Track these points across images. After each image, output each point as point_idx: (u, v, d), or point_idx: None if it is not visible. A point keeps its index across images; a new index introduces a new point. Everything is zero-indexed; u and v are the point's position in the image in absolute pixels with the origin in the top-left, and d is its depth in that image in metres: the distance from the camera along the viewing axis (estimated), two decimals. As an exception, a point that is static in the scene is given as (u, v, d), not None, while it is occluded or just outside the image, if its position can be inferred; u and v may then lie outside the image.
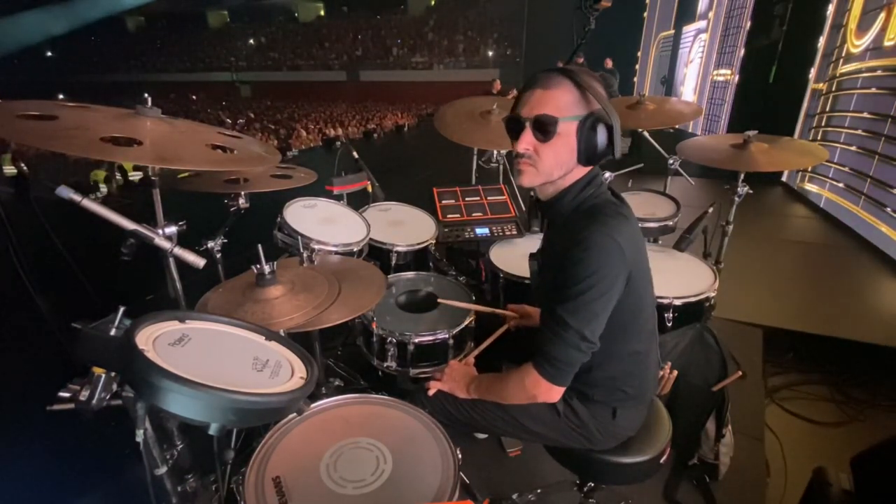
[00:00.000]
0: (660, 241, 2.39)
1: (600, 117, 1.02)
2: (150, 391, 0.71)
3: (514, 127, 1.08)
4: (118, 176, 8.50)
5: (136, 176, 8.25)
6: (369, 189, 2.50)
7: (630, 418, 1.23)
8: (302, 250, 1.54)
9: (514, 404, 1.21)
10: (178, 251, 1.07)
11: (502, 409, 1.23)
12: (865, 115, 4.25)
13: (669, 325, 1.77)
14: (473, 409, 1.26)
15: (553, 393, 1.10)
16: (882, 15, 4.08)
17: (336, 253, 1.80)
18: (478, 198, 2.40)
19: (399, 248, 2.10)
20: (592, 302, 1.01)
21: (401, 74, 28.06)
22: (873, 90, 4.18)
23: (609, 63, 7.82)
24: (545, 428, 1.23)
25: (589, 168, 1.10)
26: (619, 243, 0.99)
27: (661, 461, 1.26)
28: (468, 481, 1.52)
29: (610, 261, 1.00)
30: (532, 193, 2.50)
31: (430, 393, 1.28)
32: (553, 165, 1.07)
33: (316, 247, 1.72)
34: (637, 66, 11.99)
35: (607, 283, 1.00)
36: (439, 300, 1.76)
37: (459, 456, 1.06)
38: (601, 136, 1.02)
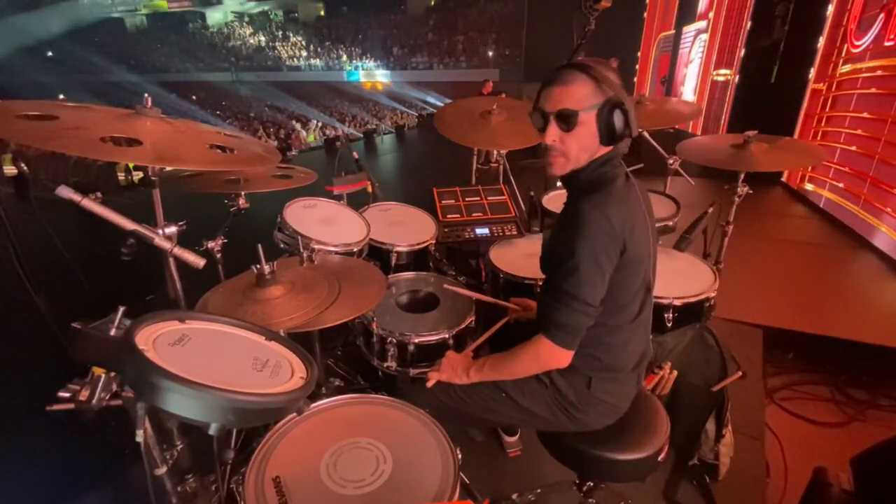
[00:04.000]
0: (660, 242, 2.38)
1: (615, 103, 1.11)
2: (150, 391, 0.71)
3: (540, 121, 1.17)
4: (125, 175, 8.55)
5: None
6: (369, 189, 2.50)
7: (608, 391, 1.24)
8: (302, 250, 1.54)
9: (508, 381, 1.27)
10: (178, 251, 1.07)
11: (496, 388, 1.29)
12: (865, 115, 4.25)
13: (669, 325, 1.77)
14: (466, 393, 1.31)
15: (565, 357, 1.17)
16: (882, 15, 4.08)
17: (336, 253, 1.80)
18: (478, 198, 2.40)
19: (399, 248, 2.10)
20: (591, 274, 1.10)
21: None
22: (873, 90, 4.18)
23: (615, 62, 7.84)
24: (533, 401, 1.27)
25: (609, 147, 1.18)
26: (610, 219, 1.08)
27: (660, 459, 1.26)
28: (468, 481, 1.52)
29: (600, 235, 1.08)
30: (532, 193, 2.51)
31: (430, 384, 1.32)
32: (579, 151, 1.16)
33: (316, 247, 1.72)
34: (637, 66, 11.98)
35: (600, 254, 1.09)
36: (445, 286, 1.81)
37: (459, 456, 1.06)
38: (618, 119, 1.12)
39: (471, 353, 1.40)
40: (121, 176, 8.78)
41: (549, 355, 1.17)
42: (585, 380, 1.24)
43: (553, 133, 1.15)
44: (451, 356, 1.36)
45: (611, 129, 1.13)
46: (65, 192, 0.95)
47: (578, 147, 1.16)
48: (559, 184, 2.91)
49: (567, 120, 1.13)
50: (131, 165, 7.95)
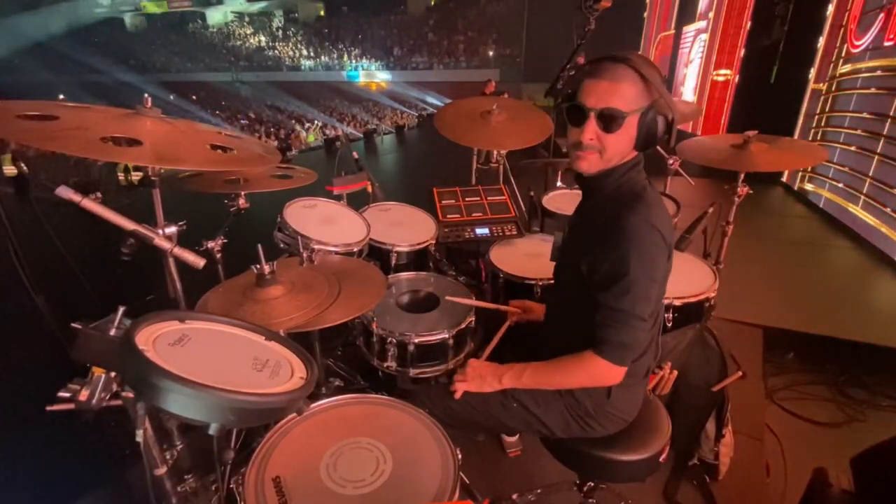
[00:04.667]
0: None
1: (660, 108, 1.07)
2: (150, 391, 0.71)
3: (578, 116, 1.10)
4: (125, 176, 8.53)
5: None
6: (369, 189, 2.50)
7: (624, 400, 1.23)
8: (302, 250, 1.54)
9: (521, 390, 1.24)
10: (178, 251, 1.07)
11: (506, 396, 1.25)
12: (865, 115, 4.25)
13: (669, 325, 1.76)
14: (474, 399, 1.26)
15: (621, 374, 1.13)
16: (882, 15, 4.08)
17: (336, 253, 1.80)
18: (478, 198, 2.40)
19: (399, 248, 2.10)
20: (647, 289, 1.07)
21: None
22: (873, 90, 4.18)
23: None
24: (545, 410, 1.24)
25: (636, 152, 1.15)
26: (659, 230, 1.06)
27: (661, 459, 1.26)
28: (468, 481, 1.52)
29: (654, 249, 1.06)
30: (532, 193, 2.51)
31: (458, 396, 1.25)
32: (615, 153, 1.11)
33: (316, 247, 1.72)
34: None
35: (656, 269, 1.07)
36: (447, 297, 1.76)
37: (459, 456, 1.06)
38: (660, 125, 1.08)
39: (492, 362, 1.34)
40: (120, 176, 8.77)
41: (606, 373, 1.12)
42: (606, 389, 1.21)
43: (592, 131, 1.08)
44: (476, 364, 1.29)
45: (650, 136, 1.08)
46: (65, 192, 0.95)
47: (614, 149, 1.10)
48: (560, 183, 2.92)
49: (611, 120, 1.06)
50: (130, 166, 7.90)
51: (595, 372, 1.13)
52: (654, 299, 1.10)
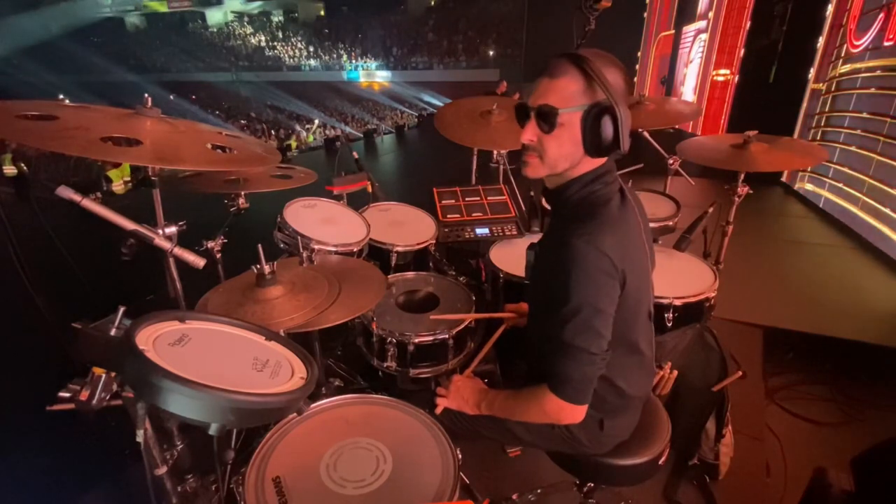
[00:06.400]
0: (660, 241, 2.39)
1: (605, 108, 0.96)
2: (150, 391, 0.71)
3: (521, 116, 1.05)
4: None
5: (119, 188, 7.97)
6: (369, 189, 2.50)
7: (619, 426, 1.20)
8: (302, 250, 1.54)
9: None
10: (178, 251, 1.07)
11: (501, 423, 1.21)
12: (865, 115, 4.26)
13: (669, 325, 1.76)
14: (474, 422, 1.25)
15: (577, 413, 1.04)
16: (881, 15, 4.08)
17: (336, 253, 1.80)
18: (478, 198, 2.40)
19: (399, 248, 2.10)
20: (592, 320, 0.97)
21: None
22: (873, 90, 4.19)
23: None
24: (541, 439, 1.22)
25: (601, 161, 1.05)
26: (607, 253, 0.95)
27: (660, 462, 1.26)
28: (468, 481, 1.52)
29: (597, 275, 0.95)
30: (532, 193, 2.51)
31: (438, 411, 1.23)
32: (557, 157, 1.02)
33: (316, 247, 1.72)
34: (637, 66, 11.99)
35: (600, 298, 0.97)
36: (432, 316, 1.70)
37: (459, 456, 1.06)
38: (606, 127, 0.97)
39: (478, 380, 1.32)
40: (117, 186, 8.64)
41: (559, 411, 1.03)
42: (597, 422, 1.16)
43: (531, 131, 1.02)
44: (460, 384, 1.25)
45: (596, 138, 0.98)
46: (65, 192, 0.95)
47: (557, 152, 1.02)
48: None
49: (546, 118, 0.99)
50: (119, 175, 7.66)
51: (548, 409, 1.04)
52: (605, 331, 0.99)
